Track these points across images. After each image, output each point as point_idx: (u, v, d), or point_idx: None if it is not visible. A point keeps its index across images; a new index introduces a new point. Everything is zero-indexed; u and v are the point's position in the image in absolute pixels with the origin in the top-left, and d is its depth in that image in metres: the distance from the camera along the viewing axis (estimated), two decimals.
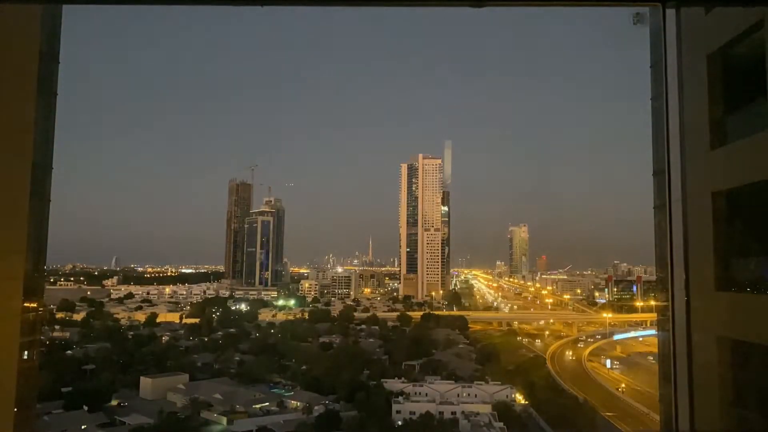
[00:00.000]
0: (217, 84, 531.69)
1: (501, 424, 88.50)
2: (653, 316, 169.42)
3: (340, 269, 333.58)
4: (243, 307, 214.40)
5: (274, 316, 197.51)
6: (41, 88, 7.64)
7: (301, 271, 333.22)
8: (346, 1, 9.63)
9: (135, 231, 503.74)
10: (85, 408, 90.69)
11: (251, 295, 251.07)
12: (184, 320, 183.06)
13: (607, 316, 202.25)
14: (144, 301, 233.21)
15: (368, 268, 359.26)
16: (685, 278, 8.29)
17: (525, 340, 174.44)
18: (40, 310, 7.71)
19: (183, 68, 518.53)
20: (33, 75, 7.53)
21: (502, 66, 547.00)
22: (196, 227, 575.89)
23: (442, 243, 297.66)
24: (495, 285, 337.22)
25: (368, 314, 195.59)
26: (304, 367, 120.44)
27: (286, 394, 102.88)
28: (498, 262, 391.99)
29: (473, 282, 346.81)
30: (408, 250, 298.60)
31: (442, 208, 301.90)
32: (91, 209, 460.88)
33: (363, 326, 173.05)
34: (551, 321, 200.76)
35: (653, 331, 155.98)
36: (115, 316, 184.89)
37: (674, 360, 8.17)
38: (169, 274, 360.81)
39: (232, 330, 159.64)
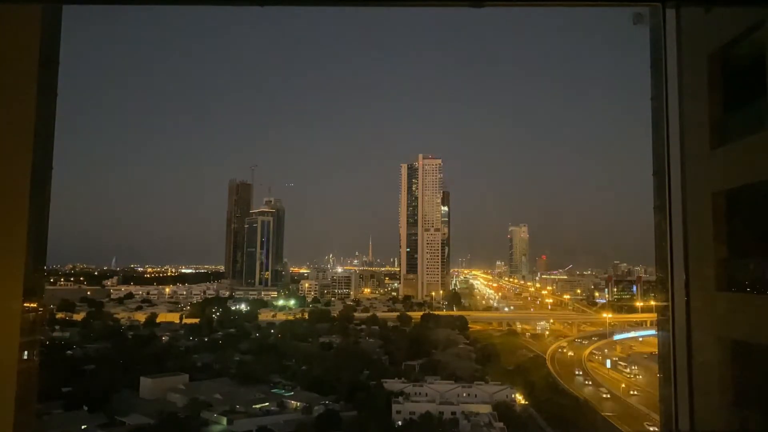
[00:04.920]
0: (217, 84, 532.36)
1: (501, 425, 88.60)
2: (653, 316, 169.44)
3: (340, 269, 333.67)
4: (243, 307, 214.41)
5: (274, 316, 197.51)
6: (41, 88, 7.62)
7: (301, 271, 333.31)
8: (346, 1, 9.62)
9: (135, 231, 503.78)
10: (85, 408, 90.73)
11: (251, 295, 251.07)
12: (184, 320, 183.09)
13: (607, 316, 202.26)
14: (144, 301, 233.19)
15: (368, 268, 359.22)
16: (685, 278, 8.28)
17: (525, 340, 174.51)
18: (40, 310, 7.69)
19: (183, 68, 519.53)
20: (33, 75, 7.52)
21: (501, 66, 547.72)
22: (196, 227, 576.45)
23: (442, 243, 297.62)
24: (495, 285, 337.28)
25: (368, 314, 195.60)
26: (304, 367, 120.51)
27: (286, 394, 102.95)
28: (498, 262, 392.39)
29: (473, 282, 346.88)
30: (408, 250, 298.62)
31: (442, 208, 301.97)
32: (91, 209, 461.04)
33: (363, 326, 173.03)
34: (551, 321, 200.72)
35: (653, 331, 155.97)
36: (115, 316, 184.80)
37: (674, 360, 8.16)
38: (169, 274, 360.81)
39: (232, 330, 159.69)
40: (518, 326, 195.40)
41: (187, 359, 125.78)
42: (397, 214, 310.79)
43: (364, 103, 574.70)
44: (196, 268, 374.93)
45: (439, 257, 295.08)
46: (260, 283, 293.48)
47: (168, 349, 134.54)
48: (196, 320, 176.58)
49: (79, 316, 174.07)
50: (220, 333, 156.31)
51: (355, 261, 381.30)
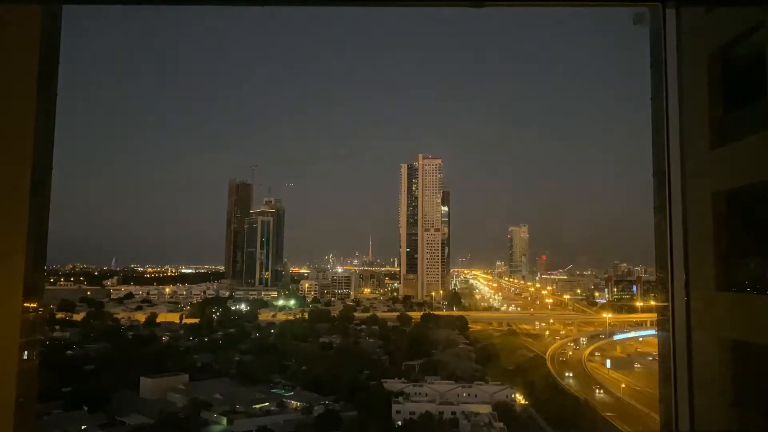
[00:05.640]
0: (217, 84, 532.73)
1: (501, 425, 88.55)
2: (653, 316, 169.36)
3: (340, 269, 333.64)
4: (243, 307, 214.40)
5: (273, 316, 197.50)
6: (41, 89, 7.63)
7: (301, 271, 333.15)
8: (346, 1, 9.63)
9: (135, 231, 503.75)
10: (85, 408, 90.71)
11: (251, 295, 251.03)
12: (184, 320, 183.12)
13: (607, 316, 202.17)
14: (144, 301, 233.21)
15: (368, 268, 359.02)
16: (685, 278, 8.29)
17: (525, 340, 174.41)
18: (40, 310, 7.70)
19: (183, 68, 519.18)
20: (33, 75, 7.52)
21: (502, 66, 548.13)
22: (196, 227, 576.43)
23: (442, 243, 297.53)
24: (495, 285, 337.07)
25: (368, 314, 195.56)
26: (304, 367, 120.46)
27: (286, 394, 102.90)
28: (498, 262, 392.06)
29: (473, 282, 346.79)
30: (408, 250, 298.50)
31: (442, 208, 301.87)
32: (91, 209, 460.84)
33: (363, 326, 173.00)
34: (551, 321, 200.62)
35: (653, 331, 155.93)
36: (115, 316, 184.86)
37: (674, 360, 8.17)
38: (169, 274, 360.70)
39: (232, 330, 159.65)
40: (518, 326, 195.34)
41: (187, 359, 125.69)
42: (397, 214, 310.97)
43: (364, 103, 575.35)
44: (196, 268, 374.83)
45: (439, 257, 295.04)
46: (260, 283, 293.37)
47: (168, 349, 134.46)
48: (196, 320, 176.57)
49: (79, 316, 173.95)
50: (220, 333, 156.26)
51: (355, 261, 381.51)
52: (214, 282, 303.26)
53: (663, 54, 8.44)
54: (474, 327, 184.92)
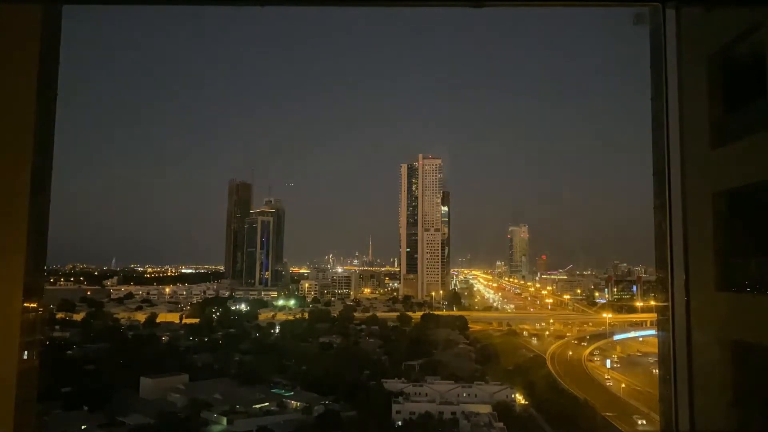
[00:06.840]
0: (217, 84, 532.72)
1: (501, 425, 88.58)
2: (653, 316, 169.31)
3: (340, 269, 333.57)
4: (243, 307, 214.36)
5: (273, 316, 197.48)
6: (41, 89, 7.62)
7: (301, 271, 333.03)
8: (346, 1, 9.64)
9: (135, 231, 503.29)
10: (85, 408, 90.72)
11: (251, 295, 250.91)
12: (184, 320, 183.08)
13: (607, 316, 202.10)
14: (144, 301, 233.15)
15: (368, 268, 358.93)
16: (685, 278, 8.29)
17: (525, 340, 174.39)
18: (40, 310, 7.70)
19: (183, 68, 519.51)
20: (33, 75, 7.52)
21: (501, 66, 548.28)
22: (197, 227, 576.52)
23: (442, 243, 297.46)
24: (495, 285, 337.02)
25: (368, 314, 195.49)
26: (304, 367, 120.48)
27: (286, 394, 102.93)
28: (498, 262, 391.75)
29: (473, 282, 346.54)
30: (408, 250, 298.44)
31: (442, 208, 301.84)
32: (91, 209, 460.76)
33: (363, 326, 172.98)
34: (551, 321, 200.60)
35: (653, 331, 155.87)
36: (115, 316, 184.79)
37: (674, 360, 8.18)
38: (169, 274, 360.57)
39: (232, 330, 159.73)
40: (518, 326, 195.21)
41: (187, 359, 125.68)
42: (397, 214, 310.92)
43: (364, 103, 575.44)
44: (196, 268, 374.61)
45: (439, 257, 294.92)
46: (260, 283, 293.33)
47: (168, 349, 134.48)
48: (196, 320, 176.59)
49: (79, 316, 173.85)
50: (220, 333, 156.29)
51: (355, 261, 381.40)
52: (214, 282, 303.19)
53: (663, 54, 8.44)
54: (474, 327, 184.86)
